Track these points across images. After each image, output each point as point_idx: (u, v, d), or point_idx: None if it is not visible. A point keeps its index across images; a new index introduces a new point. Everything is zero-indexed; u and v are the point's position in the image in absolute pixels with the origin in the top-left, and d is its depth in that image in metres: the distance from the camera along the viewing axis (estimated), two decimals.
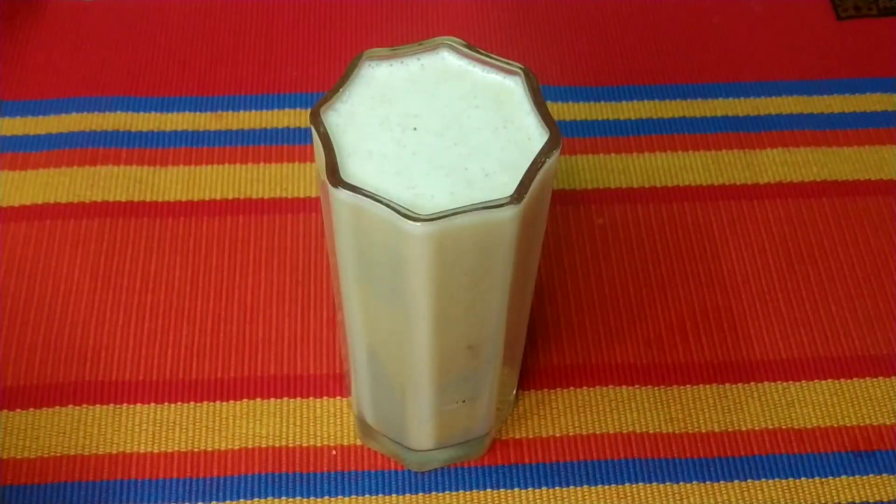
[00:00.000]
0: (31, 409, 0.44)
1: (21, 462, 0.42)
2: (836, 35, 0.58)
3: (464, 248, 0.31)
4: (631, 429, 0.44)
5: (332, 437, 0.43)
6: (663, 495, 0.42)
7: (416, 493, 0.42)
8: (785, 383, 0.45)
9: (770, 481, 0.42)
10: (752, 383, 0.45)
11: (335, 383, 0.45)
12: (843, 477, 0.42)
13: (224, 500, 0.42)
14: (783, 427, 0.44)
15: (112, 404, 0.44)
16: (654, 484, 0.42)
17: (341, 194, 0.30)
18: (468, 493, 0.42)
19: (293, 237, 0.49)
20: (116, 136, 0.52)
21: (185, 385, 0.44)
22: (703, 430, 0.44)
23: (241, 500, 0.42)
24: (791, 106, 0.54)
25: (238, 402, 0.44)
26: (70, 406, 0.44)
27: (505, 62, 0.33)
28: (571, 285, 0.48)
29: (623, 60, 0.56)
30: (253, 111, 0.54)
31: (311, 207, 0.50)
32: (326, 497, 0.42)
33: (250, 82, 0.55)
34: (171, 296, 0.47)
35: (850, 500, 0.42)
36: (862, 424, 0.44)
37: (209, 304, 0.47)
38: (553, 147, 0.31)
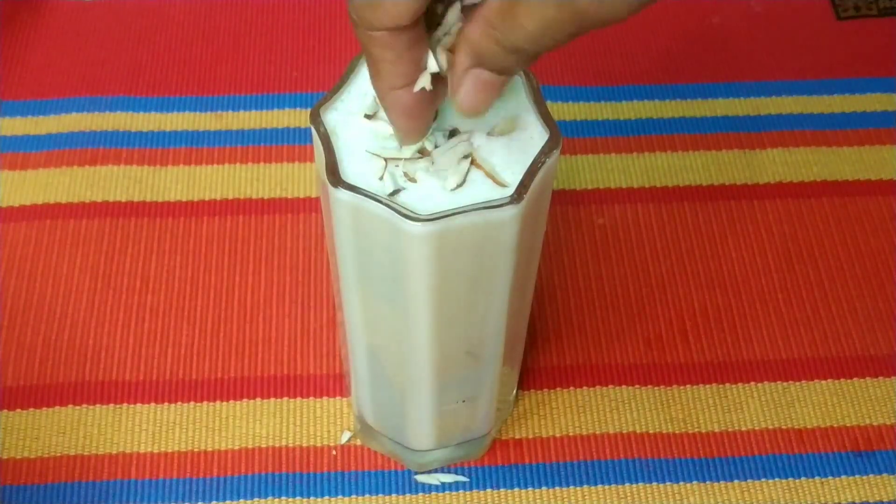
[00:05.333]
0: (31, 409, 0.44)
1: (21, 462, 0.42)
2: (836, 35, 0.58)
3: (464, 248, 0.31)
4: (631, 429, 0.44)
5: (332, 437, 0.43)
6: (663, 495, 0.42)
7: (417, 493, 0.42)
8: (785, 383, 0.45)
9: (770, 481, 0.42)
10: (752, 383, 0.45)
11: (335, 383, 0.45)
12: (843, 477, 0.42)
13: (224, 500, 0.42)
14: (783, 427, 0.44)
15: (112, 404, 0.44)
16: (654, 484, 0.42)
17: (341, 194, 0.30)
18: (468, 493, 0.42)
19: (293, 237, 0.49)
20: (116, 136, 0.52)
21: (185, 385, 0.44)
22: (703, 430, 0.44)
23: (241, 500, 0.42)
24: (791, 106, 0.54)
25: (238, 402, 0.44)
26: (70, 406, 0.44)
27: None
28: (571, 285, 0.48)
29: (623, 60, 0.56)
30: (253, 111, 0.54)
31: (311, 207, 0.50)
32: (326, 497, 0.42)
33: (250, 82, 0.55)
34: (171, 296, 0.47)
35: (850, 500, 0.42)
36: (862, 424, 0.44)
37: (209, 304, 0.47)
38: (553, 147, 0.31)
